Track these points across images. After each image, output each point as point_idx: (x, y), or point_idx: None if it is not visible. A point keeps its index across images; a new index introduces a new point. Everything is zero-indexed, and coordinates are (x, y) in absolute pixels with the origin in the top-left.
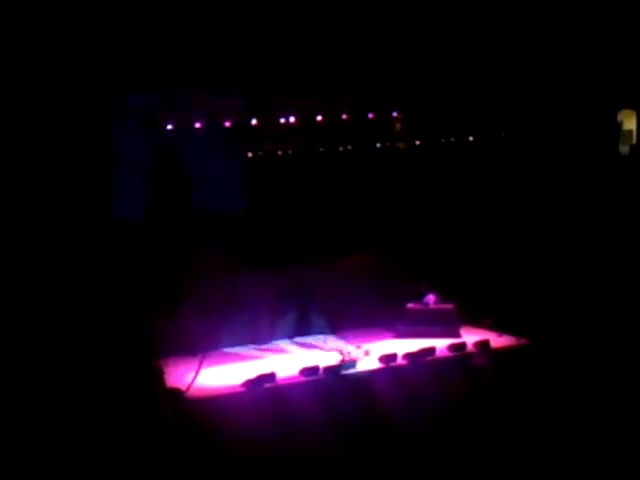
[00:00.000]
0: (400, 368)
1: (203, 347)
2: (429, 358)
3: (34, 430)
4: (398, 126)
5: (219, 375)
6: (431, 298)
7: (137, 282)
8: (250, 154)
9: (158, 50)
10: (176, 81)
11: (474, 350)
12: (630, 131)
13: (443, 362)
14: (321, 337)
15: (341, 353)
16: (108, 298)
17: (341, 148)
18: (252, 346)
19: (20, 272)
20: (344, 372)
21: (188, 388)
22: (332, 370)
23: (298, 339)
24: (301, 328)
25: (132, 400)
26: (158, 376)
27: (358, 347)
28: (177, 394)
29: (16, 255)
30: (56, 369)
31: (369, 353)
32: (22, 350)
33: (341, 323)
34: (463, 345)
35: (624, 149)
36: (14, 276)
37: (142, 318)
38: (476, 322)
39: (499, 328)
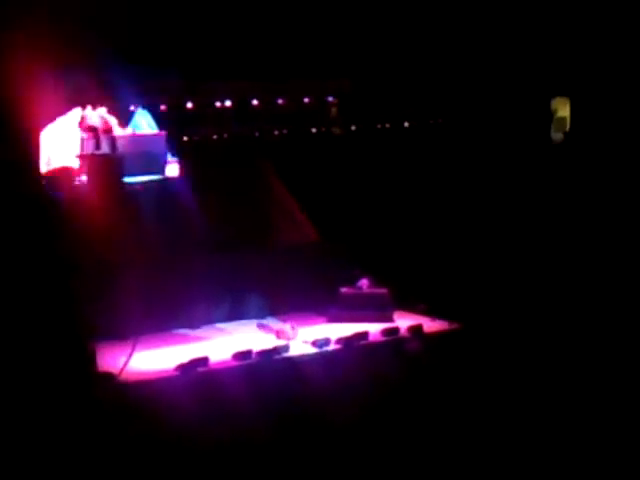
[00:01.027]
0: (333, 352)
1: (135, 331)
2: (362, 342)
3: None
4: (334, 111)
5: (152, 359)
6: (364, 283)
7: (67, 263)
8: (185, 138)
9: (94, 26)
10: (110, 61)
11: (407, 335)
12: (564, 118)
13: (376, 346)
14: (256, 321)
15: (279, 335)
16: (40, 279)
17: (277, 132)
18: (185, 330)
19: None
20: (277, 356)
21: (120, 372)
22: (265, 354)
23: (232, 323)
24: (235, 312)
25: (65, 382)
26: (90, 359)
27: (293, 327)
28: (109, 377)
29: None
30: None
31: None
32: None
33: (275, 307)
34: (396, 330)
35: (557, 136)
36: None
37: (74, 300)
38: (409, 307)
39: (432, 313)
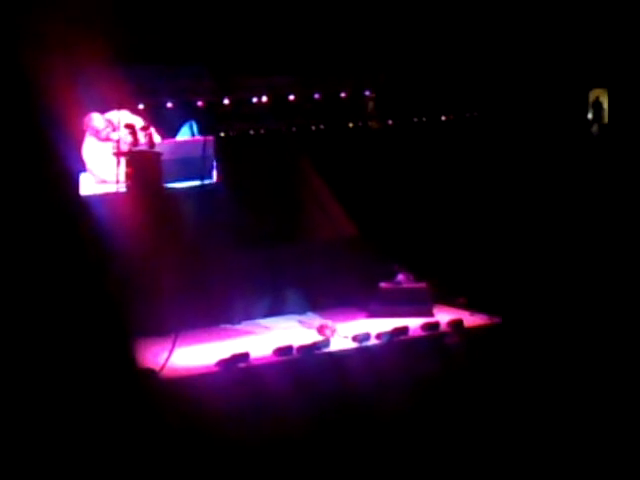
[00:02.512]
0: (373, 347)
1: (176, 327)
2: (402, 337)
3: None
4: (370, 105)
5: (193, 355)
6: (403, 277)
7: (108, 261)
8: (222, 134)
9: (124, 27)
10: (145, 58)
11: (447, 329)
12: (602, 110)
13: (416, 341)
14: (296, 316)
15: (320, 331)
16: (81, 277)
17: (313, 128)
18: (226, 325)
19: None
20: (317, 351)
21: (162, 368)
22: (306, 349)
23: (273, 318)
24: (275, 307)
25: (109, 380)
26: (134, 356)
27: (330, 325)
28: (151, 374)
29: None
30: (29, 352)
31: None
32: None
33: (315, 302)
34: (436, 324)
35: (595, 129)
36: None
37: (116, 298)
38: (449, 301)
39: (472, 307)
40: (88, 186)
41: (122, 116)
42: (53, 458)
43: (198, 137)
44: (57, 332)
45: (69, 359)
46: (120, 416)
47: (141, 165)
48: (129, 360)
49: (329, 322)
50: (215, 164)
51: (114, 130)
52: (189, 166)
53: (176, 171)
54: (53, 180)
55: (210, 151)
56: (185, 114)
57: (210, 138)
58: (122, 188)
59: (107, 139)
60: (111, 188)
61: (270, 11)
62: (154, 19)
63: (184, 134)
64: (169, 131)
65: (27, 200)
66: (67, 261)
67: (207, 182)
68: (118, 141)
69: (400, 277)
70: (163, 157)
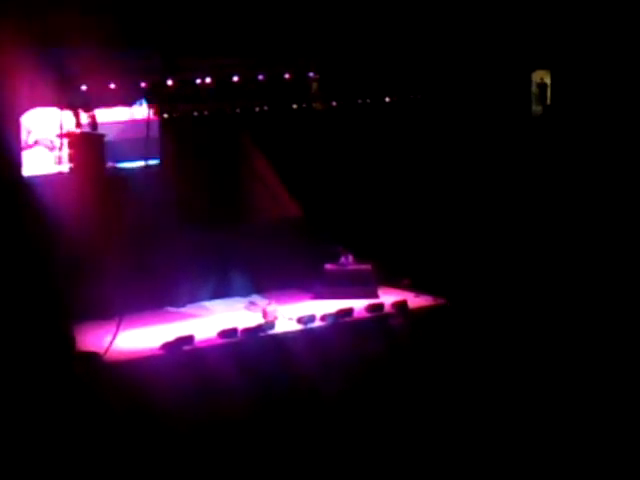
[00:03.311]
0: (318, 329)
1: (120, 310)
2: (347, 319)
3: None
4: (314, 86)
5: (137, 338)
6: (348, 259)
7: (48, 245)
8: (165, 115)
9: (73, 7)
10: (91, 39)
11: (392, 310)
12: (545, 90)
13: (361, 323)
14: (241, 299)
15: (265, 314)
16: (21, 261)
17: (258, 109)
18: (170, 308)
19: None
20: (262, 334)
21: (106, 351)
22: (250, 332)
23: (217, 301)
24: (220, 290)
25: (46, 363)
26: (70, 339)
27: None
28: (94, 357)
29: None
30: None
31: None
32: None
33: (260, 285)
34: (381, 306)
35: (537, 109)
36: None
37: (55, 281)
38: (394, 282)
39: (416, 288)
40: (31, 167)
41: (41, 116)
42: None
43: (142, 117)
44: None
45: (5, 340)
46: (57, 399)
47: (84, 147)
48: (67, 343)
49: (272, 305)
50: (159, 145)
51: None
52: (134, 146)
53: (121, 151)
54: None
55: (155, 132)
56: (132, 95)
57: (154, 118)
58: (65, 169)
59: (29, 146)
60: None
61: None
62: (110, 1)
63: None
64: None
65: None
66: (8, 242)
67: (151, 163)
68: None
69: (345, 258)
70: (108, 138)
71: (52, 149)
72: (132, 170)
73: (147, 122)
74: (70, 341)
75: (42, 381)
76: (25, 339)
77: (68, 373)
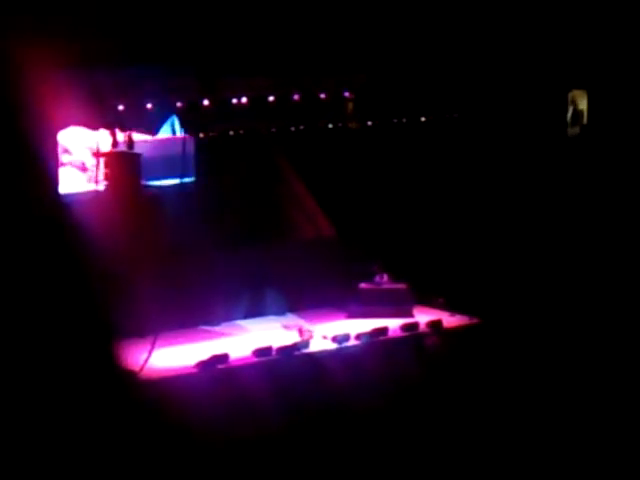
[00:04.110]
0: (353, 348)
1: (155, 328)
2: (382, 338)
3: None
4: (350, 106)
5: (172, 356)
6: (383, 278)
7: (88, 261)
8: (201, 135)
9: (110, 27)
10: (127, 60)
11: (426, 330)
12: (581, 111)
13: (395, 342)
14: (275, 317)
15: (300, 332)
16: (63, 280)
17: (293, 128)
18: (205, 327)
19: None
20: (297, 353)
21: (141, 369)
22: (285, 350)
23: (252, 319)
24: (255, 309)
25: (95, 381)
26: (117, 357)
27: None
28: (130, 375)
29: None
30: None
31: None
32: None
33: (294, 304)
34: (416, 325)
35: (575, 129)
36: None
37: (98, 300)
38: (428, 302)
39: (451, 308)
40: (68, 185)
41: (76, 135)
42: (37, 455)
43: (178, 135)
44: (39, 332)
45: (53, 358)
46: (105, 416)
47: (120, 166)
48: (113, 360)
49: (307, 325)
50: (194, 163)
51: (66, 152)
52: (169, 164)
53: (156, 169)
54: (33, 179)
55: (190, 150)
56: (166, 113)
57: (190, 137)
58: (101, 188)
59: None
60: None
61: (253, 13)
62: (145, 21)
63: (165, 132)
64: (150, 129)
65: (7, 200)
66: (48, 261)
67: (187, 180)
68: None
69: (380, 278)
70: (143, 155)
71: (83, 170)
72: (164, 188)
73: (183, 140)
74: (117, 359)
75: (90, 398)
76: (72, 358)
77: (116, 390)
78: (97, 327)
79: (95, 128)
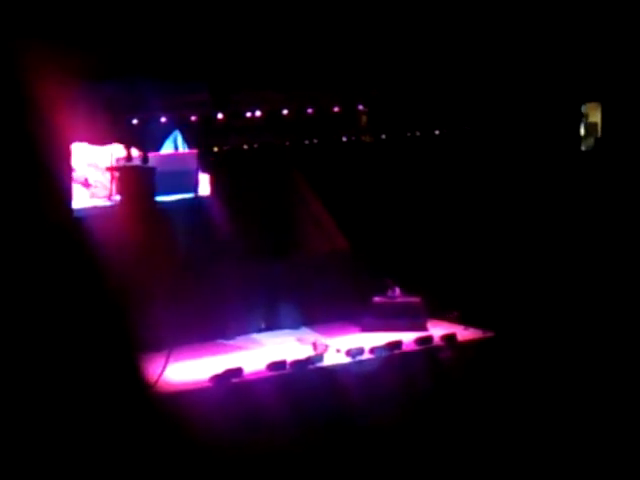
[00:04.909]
0: (367, 362)
1: (169, 342)
2: (396, 352)
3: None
4: (363, 119)
5: (186, 370)
6: (396, 291)
7: (103, 275)
8: (216, 149)
9: (124, 43)
10: (141, 74)
11: (441, 343)
12: (595, 124)
13: (410, 355)
14: (290, 331)
15: (315, 346)
16: (78, 290)
17: (307, 142)
18: (220, 341)
19: None
20: (311, 366)
21: (156, 383)
22: (299, 364)
23: (266, 333)
24: (269, 322)
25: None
26: (142, 369)
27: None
28: (148, 389)
29: None
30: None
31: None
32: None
33: (309, 317)
34: (430, 338)
35: (589, 142)
36: None
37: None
38: (442, 315)
39: (465, 321)
40: (81, 200)
41: (77, 150)
42: (54, 463)
43: (184, 150)
44: (56, 342)
45: (69, 371)
46: (123, 429)
47: (135, 180)
48: (136, 371)
49: (321, 339)
50: (199, 177)
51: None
52: (176, 179)
53: (164, 184)
54: (46, 195)
55: (193, 165)
56: (169, 127)
57: (193, 151)
58: (115, 202)
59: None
60: (107, 202)
61: (265, 27)
62: (159, 36)
63: (168, 147)
64: (152, 144)
65: (21, 215)
66: (62, 275)
67: (189, 196)
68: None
69: (393, 291)
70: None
71: (86, 185)
72: (180, 203)
73: (196, 155)
74: (140, 370)
75: (113, 409)
76: (87, 370)
77: (138, 402)
78: (115, 340)
79: (109, 143)
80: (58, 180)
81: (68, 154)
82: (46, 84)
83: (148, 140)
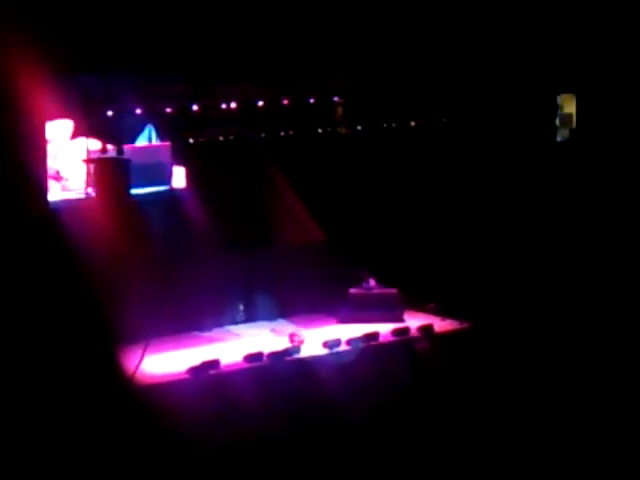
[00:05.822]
0: (344, 353)
1: (146, 334)
2: (373, 343)
3: None
4: (339, 111)
5: (163, 362)
6: (372, 282)
7: (78, 268)
8: (191, 140)
9: (99, 34)
10: (116, 66)
11: (418, 334)
12: (570, 115)
13: (387, 347)
14: (266, 323)
15: (291, 338)
16: (55, 284)
17: (282, 133)
18: (196, 333)
19: None
20: (288, 358)
21: (132, 375)
22: (276, 356)
23: (243, 325)
24: (245, 314)
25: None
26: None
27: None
28: (125, 381)
29: None
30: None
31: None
32: None
33: (285, 309)
34: (406, 330)
35: (564, 133)
36: None
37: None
38: (419, 307)
39: (442, 312)
40: (55, 193)
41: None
42: (36, 455)
43: (158, 143)
44: (36, 335)
45: (49, 364)
46: (100, 420)
47: (110, 172)
48: (113, 364)
49: (299, 330)
50: (173, 170)
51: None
52: (150, 171)
53: (138, 176)
54: (21, 188)
55: (167, 157)
56: (144, 119)
57: (167, 143)
58: (91, 194)
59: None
60: (80, 195)
61: (240, 19)
62: (135, 28)
63: (142, 139)
64: (127, 137)
65: None
66: (40, 268)
67: (162, 189)
68: (88, 149)
69: (370, 283)
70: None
71: (57, 179)
72: (155, 195)
73: (170, 147)
74: (118, 363)
75: (93, 402)
76: (67, 364)
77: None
78: (91, 333)
79: (84, 135)
80: (33, 173)
81: (43, 146)
82: (21, 76)
83: (123, 132)
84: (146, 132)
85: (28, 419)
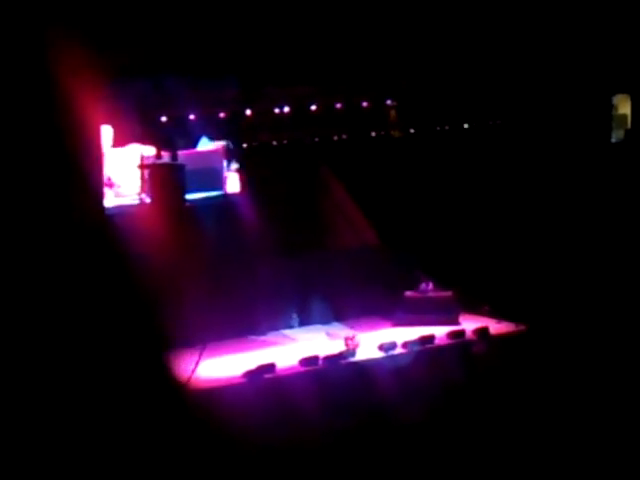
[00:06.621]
0: (400, 356)
1: (202, 339)
2: (428, 346)
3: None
4: (392, 114)
5: (219, 366)
6: (428, 285)
7: (134, 274)
8: (245, 145)
9: (153, 40)
10: (169, 72)
11: (473, 337)
12: (624, 115)
13: (443, 350)
14: (321, 326)
15: (347, 342)
16: (110, 290)
17: (336, 137)
18: (252, 337)
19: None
20: (344, 361)
21: (188, 380)
22: (332, 359)
23: (298, 329)
24: (301, 317)
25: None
26: (171, 367)
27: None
28: (181, 386)
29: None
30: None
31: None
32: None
33: (340, 312)
34: (462, 332)
35: (619, 134)
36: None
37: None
38: (474, 309)
39: (497, 314)
40: (109, 199)
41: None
42: (86, 459)
43: (213, 148)
44: (90, 340)
45: (102, 369)
46: (156, 425)
47: (165, 178)
48: (168, 369)
49: (354, 334)
50: (238, 168)
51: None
52: (203, 176)
53: (191, 181)
54: (78, 194)
55: (220, 162)
56: (206, 125)
57: (220, 148)
58: (145, 200)
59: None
60: (133, 201)
61: (294, 23)
62: (188, 33)
63: (203, 144)
64: (182, 142)
65: (53, 214)
66: (95, 275)
67: (216, 194)
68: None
69: (425, 285)
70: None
71: (109, 185)
72: (209, 200)
73: (225, 151)
74: (170, 369)
75: (144, 408)
76: (122, 369)
77: (170, 401)
78: (147, 338)
79: (138, 141)
80: (90, 179)
81: (99, 152)
82: (76, 83)
83: (178, 138)
84: (206, 139)
85: (84, 422)
